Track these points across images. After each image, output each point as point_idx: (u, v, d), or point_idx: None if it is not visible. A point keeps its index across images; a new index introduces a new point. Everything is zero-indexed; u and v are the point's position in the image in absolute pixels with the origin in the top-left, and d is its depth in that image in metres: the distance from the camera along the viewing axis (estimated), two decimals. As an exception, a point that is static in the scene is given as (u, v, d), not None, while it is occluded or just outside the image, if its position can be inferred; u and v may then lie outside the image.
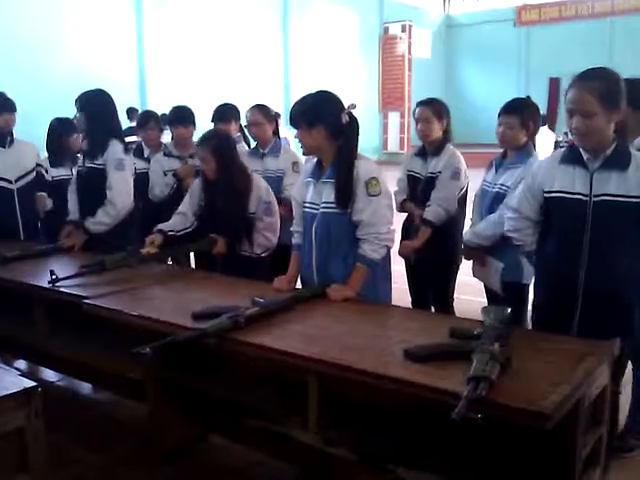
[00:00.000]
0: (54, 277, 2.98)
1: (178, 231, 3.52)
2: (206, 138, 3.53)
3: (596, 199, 2.36)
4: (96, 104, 3.87)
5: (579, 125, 2.33)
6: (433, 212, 3.80)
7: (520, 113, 3.36)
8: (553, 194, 2.47)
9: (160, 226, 3.51)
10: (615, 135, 2.39)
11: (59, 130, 4.73)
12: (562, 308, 2.49)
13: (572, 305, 2.45)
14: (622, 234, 2.37)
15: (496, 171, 3.47)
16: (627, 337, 2.23)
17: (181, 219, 3.58)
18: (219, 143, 3.50)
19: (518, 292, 3.29)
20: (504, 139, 3.41)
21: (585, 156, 2.41)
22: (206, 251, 3.46)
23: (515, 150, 3.39)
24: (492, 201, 3.43)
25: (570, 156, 2.47)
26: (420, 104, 3.99)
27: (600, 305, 2.40)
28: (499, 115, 3.43)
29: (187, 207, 3.61)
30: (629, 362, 2.83)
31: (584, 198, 2.39)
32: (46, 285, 3.00)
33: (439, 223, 3.79)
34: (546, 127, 16.00)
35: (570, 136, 2.47)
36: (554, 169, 2.50)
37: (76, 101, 3.85)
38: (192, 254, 4.14)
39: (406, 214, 4.18)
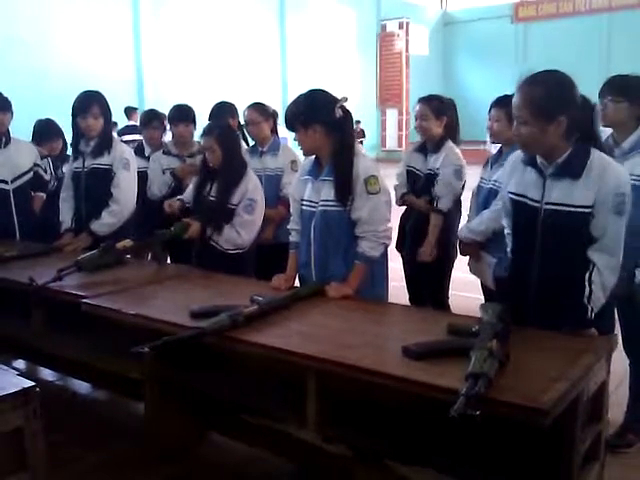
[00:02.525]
0: (34, 283, 2.96)
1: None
2: (211, 128, 3.56)
3: (546, 206, 2.29)
4: (108, 105, 3.92)
5: (515, 131, 2.29)
6: (444, 203, 3.89)
7: (506, 107, 3.29)
8: (513, 195, 2.42)
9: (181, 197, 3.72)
10: (575, 138, 2.27)
11: (44, 132, 4.75)
12: (515, 309, 2.38)
13: (524, 307, 2.37)
14: (570, 243, 2.28)
15: (491, 167, 3.49)
16: None
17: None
18: (224, 133, 3.54)
19: None
20: (492, 133, 3.48)
21: (539, 160, 2.33)
22: (179, 236, 3.45)
23: (509, 146, 3.37)
24: (486, 197, 3.44)
25: (527, 158, 2.39)
26: (420, 101, 4.02)
27: (551, 312, 2.31)
28: (489, 111, 3.49)
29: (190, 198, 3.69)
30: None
31: (536, 204, 2.32)
32: (46, 285, 2.99)
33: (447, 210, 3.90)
34: None
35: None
36: (516, 168, 2.45)
37: (89, 103, 3.81)
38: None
39: (404, 209, 4.19)
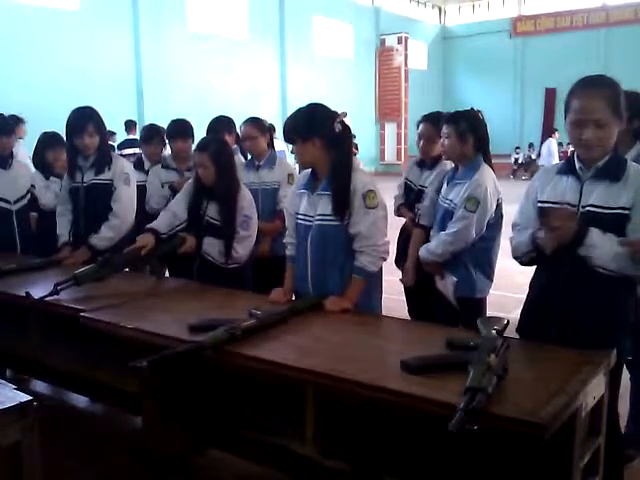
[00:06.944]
0: (30, 298, 2.96)
1: (169, 231, 3.50)
2: (205, 144, 3.50)
3: (583, 210, 2.28)
4: (102, 120, 3.92)
5: (590, 136, 2.21)
6: (424, 219, 3.77)
7: (455, 123, 3.33)
8: (544, 203, 2.41)
9: (153, 225, 3.48)
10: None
11: (47, 145, 4.74)
12: (539, 323, 2.41)
13: (548, 321, 2.36)
14: None
15: (447, 184, 3.44)
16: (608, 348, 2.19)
17: (170, 218, 3.54)
18: (218, 149, 3.48)
19: (473, 306, 3.27)
20: (443, 150, 3.45)
21: (577, 165, 2.34)
22: (174, 250, 3.39)
23: (464, 164, 3.35)
24: (443, 216, 3.40)
25: (565, 167, 2.40)
26: (425, 120, 3.95)
27: (577, 323, 2.30)
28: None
29: (179, 206, 3.58)
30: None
31: (572, 208, 2.30)
32: (43, 299, 2.98)
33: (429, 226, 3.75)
34: (552, 139, 16.35)
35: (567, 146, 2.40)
36: (549, 179, 2.44)
37: (84, 121, 3.80)
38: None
39: (402, 224, 4.19)
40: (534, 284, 2.52)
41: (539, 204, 2.44)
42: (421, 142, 3.95)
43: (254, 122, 4.33)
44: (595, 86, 2.25)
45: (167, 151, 4.85)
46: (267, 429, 2.46)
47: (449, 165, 3.79)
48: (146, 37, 17.35)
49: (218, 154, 3.45)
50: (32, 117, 8.36)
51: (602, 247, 2.20)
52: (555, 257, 2.31)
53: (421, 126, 3.95)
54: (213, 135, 4.06)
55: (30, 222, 4.47)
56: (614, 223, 2.23)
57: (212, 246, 3.44)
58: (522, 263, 2.51)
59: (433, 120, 3.89)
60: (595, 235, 2.20)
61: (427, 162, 3.97)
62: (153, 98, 17.07)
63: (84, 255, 3.78)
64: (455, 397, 1.75)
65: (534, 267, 2.62)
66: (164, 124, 4.76)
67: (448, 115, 3.46)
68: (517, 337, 2.35)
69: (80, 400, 3.91)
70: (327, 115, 2.82)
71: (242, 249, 3.47)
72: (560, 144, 22.71)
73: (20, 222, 4.26)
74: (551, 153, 16.05)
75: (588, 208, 2.27)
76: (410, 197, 4.05)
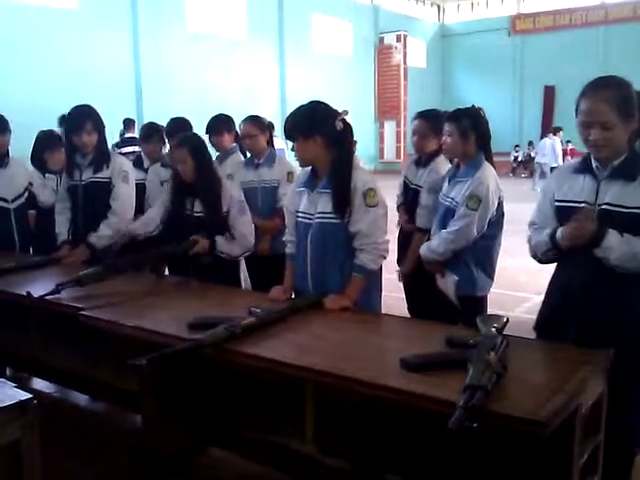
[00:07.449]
0: (31, 297, 2.95)
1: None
2: (183, 140, 3.54)
3: (599, 208, 2.28)
4: (101, 118, 3.91)
5: (598, 137, 2.24)
6: (420, 221, 3.81)
7: (457, 121, 3.32)
8: (562, 202, 2.41)
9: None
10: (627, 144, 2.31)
11: (45, 143, 4.72)
12: (558, 322, 2.41)
13: (567, 320, 2.36)
14: None
15: (449, 182, 3.43)
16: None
17: (143, 225, 3.64)
18: (196, 144, 3.50)
19: (474, 305, 3.27)
20: (445, 148, 3.45)
21: (594, 164, 2.34)
22: (186, 252, 3.38)
23: (466, 162, 3.34)
24: (444, 215, 3.39)
25: (581, 166, 2.40)
26: (419, 116, 3.94)
27: (596, 323, 2.30)
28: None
29: (156, 212, 3.65)
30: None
31: (591, 208, 2.29)
32: (44, 297, 2.98)
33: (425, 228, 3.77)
34: (557, 138, 16.38)
35: (572, 146, 2.37)
36: (565, 178, 2.44)
37: (82, 119, 3.80)
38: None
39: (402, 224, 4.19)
40: (553, 283, 2.53)
41: (556, 203, 2.44)
42: (414, 137, 3.95)
43: (253, 120, 4.33)
44: (603, 88, 2.26)
45: (166, 149, 4.85)
46: (267, 428, 2.46)
47: (441, 165, 3.78)
48: (145, 36, 17.34)
49: (196, 148, 3.47)
50: (30, 116, 8.40)
51: (619, 249, 2.21)
52: (574, 256, 2.32)
53: (415, 122, 3.94)
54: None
55: (28, 220, 4.47)
56: (630, 223, 2.24)
57: (224, 245, 3.45)
58: (540, 261, 2.52)
59: (426, 116, 3.90)
60: (613, 237, 2.21)
61: (422, 159, 3.96)
62: (152, 97, 17.06)
63: (83, 254, 3.78)
64: (455, 395, 1.75)
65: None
66: (163, 123, 4.76)
67: (450, 113, 3.45)
68: (517, 335, 2.35)
69: (80, 398, 3.91)
70: (328, 113, 2.82)
71: (250, 233, 3.55)
72: (568, 142, 22.73)
73: (18, 220, 4.25)
74: (555, 152, 16.10)
75: (604, 207, 2.28)
76: (408, 195, 4.05)
